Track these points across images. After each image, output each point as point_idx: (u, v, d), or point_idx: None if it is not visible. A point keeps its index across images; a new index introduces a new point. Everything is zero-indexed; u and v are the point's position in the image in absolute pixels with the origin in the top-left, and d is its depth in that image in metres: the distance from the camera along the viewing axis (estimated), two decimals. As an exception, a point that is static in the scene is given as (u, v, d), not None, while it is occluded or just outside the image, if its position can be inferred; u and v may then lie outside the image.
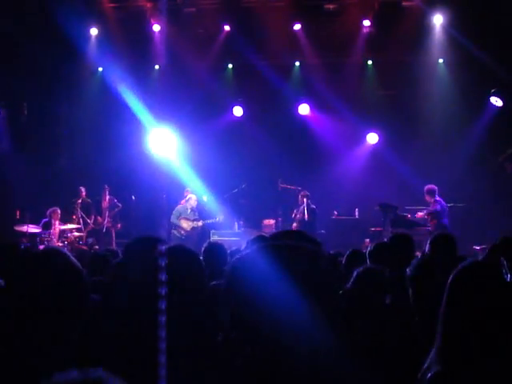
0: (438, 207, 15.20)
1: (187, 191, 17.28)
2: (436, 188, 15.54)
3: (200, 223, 17.03)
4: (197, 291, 3.01)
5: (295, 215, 16.78)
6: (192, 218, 17.07)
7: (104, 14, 18.40)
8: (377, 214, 16.30)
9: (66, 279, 2.66)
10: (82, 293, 2.70)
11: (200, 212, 17.27)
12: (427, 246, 6.47)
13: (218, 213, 17.01)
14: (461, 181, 17.03)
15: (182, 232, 16.93)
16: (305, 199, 16.58)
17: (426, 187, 15.60)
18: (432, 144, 17.79)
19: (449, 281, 2.58)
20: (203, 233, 16.81)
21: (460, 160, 17.35)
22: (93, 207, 16.98)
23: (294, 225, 16.65)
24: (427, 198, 15.57)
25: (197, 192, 17.40)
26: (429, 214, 15.31)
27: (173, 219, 17.04)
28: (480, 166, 17.35)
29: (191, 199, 17.16)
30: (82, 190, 16.96)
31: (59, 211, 16.02)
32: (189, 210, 17.12)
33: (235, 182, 18.26)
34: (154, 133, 18.01)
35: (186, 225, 17.01)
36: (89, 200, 17.03)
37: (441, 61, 18.32)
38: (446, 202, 15.73)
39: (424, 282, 3.87)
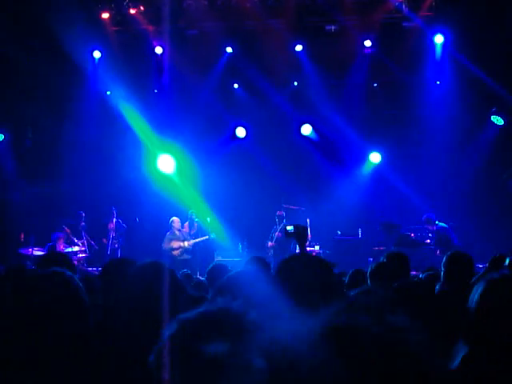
0: (446, 234, 15.20)
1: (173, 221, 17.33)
2: (433, 215, 15.59)
3: (191, 242, 17.05)
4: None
5: (276, 234, 16.89)
6: (182, 239, 17.10)
7: (107, 37, 18.50)
8: (380, 233, 16.34)
9: (67, 301, 2.69)
10: (81, 314, 2.72)
11: (199, 231, 17.34)
12: (443, 265, 6.48)
13: (211, 231, 17.13)
14: (463, 199, 17.09)
15: (177, 252, 16.91)
16: (279, 219, 17.01)
17: (424, 217, 15.65)
18: (434, 163, 17.82)
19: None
20: (207, 254, 16.82)
21: (462, 178, 17.38)
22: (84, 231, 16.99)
23: (270, 243, 16.80)
24: (428, 227, 15.62)
25: (200, 213, 17.46)
26: (437, 243, 15.30)
27: (165, 246, 17.01)
28: (482, 184, 17.38)
29: (173, 222, 17.18)
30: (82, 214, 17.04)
31: (63, 238, 16.06)
32: (177, 233, 17.15)
33: (238, 202, 18.30)
34: (158, 154, 18.15)
35: (176, 245, 17.02)
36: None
37: (441, 81, 18.36)
38: (449, 220, 15.77)
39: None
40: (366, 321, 1.43)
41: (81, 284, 2.91)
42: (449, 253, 6.68)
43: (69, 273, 2.95)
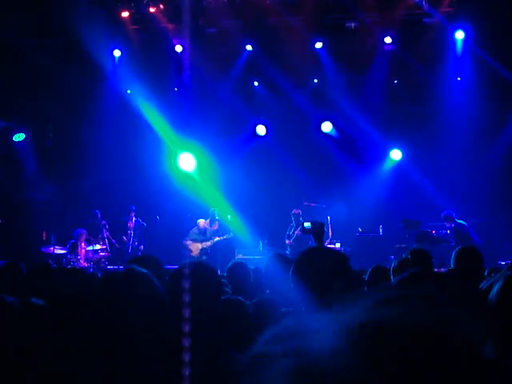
0: (464, 232, 15.02)
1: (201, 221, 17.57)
2: (453, 212, 15.45)
3: (209, 243, 17.22)
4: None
5: (296, 232, 16.74)
6: (200, 240, 17.27)
7: (127, 36, 18.55)
8: (401, 230, 16.22)
9: (149, 301, 2.70)
10: (162, 313, 2.73)
11: (222, 230, 17.41)
12: (452, 260, 6.42)
13: (231, 230, 17.27)
14: (485, 195, 16.97)
15: (191, 253, 17.07)
16: (295, 217, 16.82)
17: (444, 213, 15.50)
18: (455, 160, 17.71)
19: None
20: (228, 252, 16.84)
21: (484, 175, 17.26)
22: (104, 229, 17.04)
23: (287, 241, 16.72)
24: (446, 223, 15.48)
25: (221, 211, 17.52)
26: (456, 241, 15.14)
27: (185, 243, 17.34)
28: (505, 181, 17.26)
29: (198, 224, 17.52)
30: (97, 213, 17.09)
31: (85, 235, 16.11)
32: (197, 232, 17.35)
33: (259, 200, 18.29)
34: (178, 153, 18.19)
35: (193, 247, 17.24)
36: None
37: (461, 77, 18.23)
38: (472, 218, 15.66)
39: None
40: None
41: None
42: (456, 249, 6.61)
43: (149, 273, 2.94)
